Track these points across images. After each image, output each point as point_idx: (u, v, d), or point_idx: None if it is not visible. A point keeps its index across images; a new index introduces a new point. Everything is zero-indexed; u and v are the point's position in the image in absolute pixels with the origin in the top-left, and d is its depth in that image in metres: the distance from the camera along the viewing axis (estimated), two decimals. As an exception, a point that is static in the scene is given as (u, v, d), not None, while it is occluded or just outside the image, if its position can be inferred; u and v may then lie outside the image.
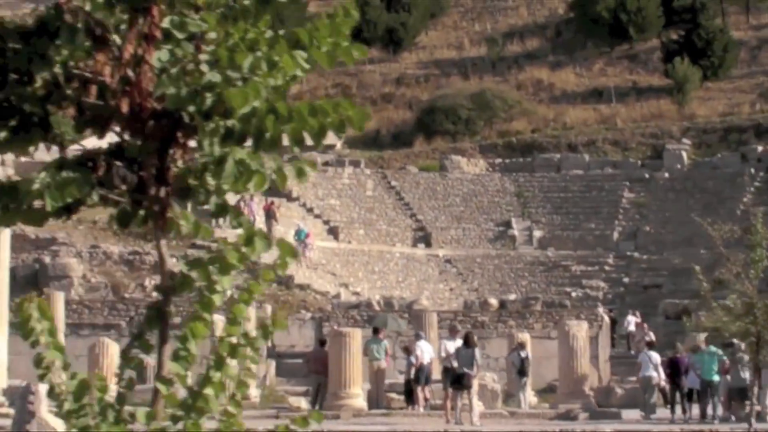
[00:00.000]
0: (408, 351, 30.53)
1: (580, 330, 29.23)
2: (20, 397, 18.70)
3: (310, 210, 60.07)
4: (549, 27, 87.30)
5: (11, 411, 27.66)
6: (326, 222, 60.22)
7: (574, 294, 55.38)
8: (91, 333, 38.86)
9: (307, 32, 5.48)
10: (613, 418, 27.94)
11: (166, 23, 5.19)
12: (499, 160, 66.66)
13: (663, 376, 29.67)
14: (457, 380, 25.53)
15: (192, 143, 5.70)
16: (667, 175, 63.40)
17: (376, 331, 31.08)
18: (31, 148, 5.76)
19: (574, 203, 63.20)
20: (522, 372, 30.98)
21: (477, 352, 26.05)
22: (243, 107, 5.19)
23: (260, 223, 54.31)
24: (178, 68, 5.31)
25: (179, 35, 5.23)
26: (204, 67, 5.28)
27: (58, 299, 34.04)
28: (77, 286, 40.89)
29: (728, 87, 73.51)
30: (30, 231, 43.21)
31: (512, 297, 49.24)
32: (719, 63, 73.69)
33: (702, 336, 34.79)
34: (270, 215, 54.02)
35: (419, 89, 77.08)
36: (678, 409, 28.23)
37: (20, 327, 5.12)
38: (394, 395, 31.22)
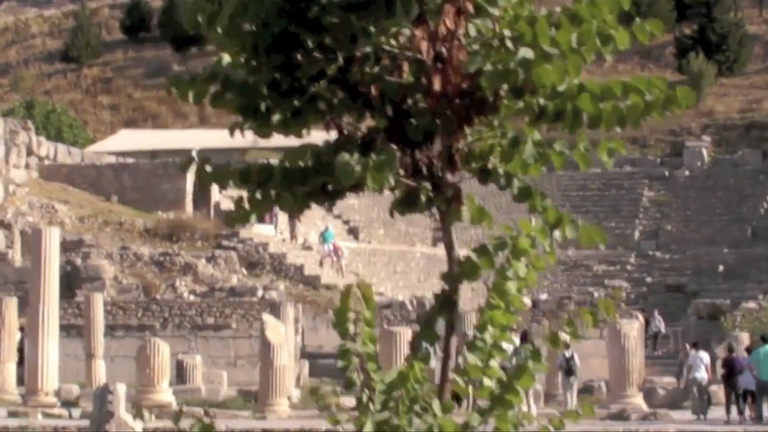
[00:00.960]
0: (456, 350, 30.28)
1: (631, 329, 28.98)
2: (99, 397, 18.44)
3: (329, 210, 59.80)
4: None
5: (63, 411, 27.52)
6: (346, 222, 60.02)
7: (596, 294, 55.06)
8: (125, 334, 38.61)
9: (587, 9, 5.24)
10: (665, 420, 27.63)
11: (475, -2, 4.96)
12: (516, 159, 66.37)
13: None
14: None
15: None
16: (687, 172, 63.19)
17: (425, 329, 30.70)
18: (305, 131, 5.54)
19: (593, 202, 62.97)
20: (569, 371, 30.74)
21: (535, 350, 25.76)
22: (559, 85, 4.97)
23: (283, 223, 54.08)
24: (479, 44, 5.09)
25: (490, 10, 5.00)
26: (508, 44, 5.06)
27: (98, 300, 33.76)
28: (109, 287, 40.64)
29: (744, 83, 73.30)
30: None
31: (544, 297, 49.02)
32: (735, 58, 73.37)
33: (742, 335, 34.61)
34: (293, 215, 53.74)
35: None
36: (734, 409, 27.87)
37: (337, 315, 4.90)
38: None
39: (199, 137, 70.92)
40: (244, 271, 46.70)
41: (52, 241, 27.63)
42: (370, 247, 58.13)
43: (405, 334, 28.55)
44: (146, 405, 28.04)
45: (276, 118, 5.35)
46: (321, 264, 51.10)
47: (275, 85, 5.20)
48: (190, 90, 5.32)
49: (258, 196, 5.57)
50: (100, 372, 33.58)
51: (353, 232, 59.23)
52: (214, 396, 31.93)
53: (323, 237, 53.20)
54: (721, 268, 54.93)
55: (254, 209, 5.74)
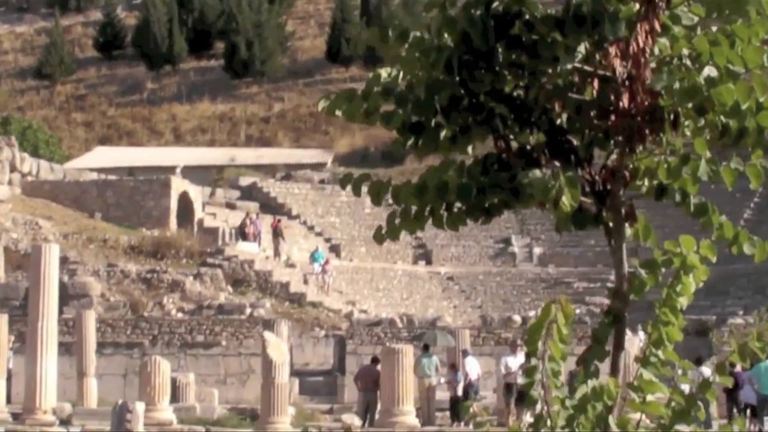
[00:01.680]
0: (455, 368, 30.30)
1: (632, 345, 29.06)
2: (117, 415, 18.33)
3: (311, 228, 59.78)
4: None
5: (62, 430, 27.27)
6: (327, 240, 59.99)
7: (578, 311, 55.29)
8: (114, 352, 38.38)
9: (745, 28, 5.30)
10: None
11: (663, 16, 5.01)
12: (494, 177, 66.55)
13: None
14: (522, 397, 25.38)
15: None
16: (665, 191, 63.57)
17: (426, 347, 30.78)
18: (470, 147, 5.59)
19: (572, 220, 63.14)
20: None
21: (541, 367, 25.84)
22: (744, 103, 5.03)
23: (267, 241, 53.98)
24: (656, 62, 5.14)
25: (675, 29, 5.05)
26: (687, 62, 5.11)
27: (89, 318, 33.52)
28: (96, 305, 40.38)
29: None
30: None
31: (532, 313, 49.14)
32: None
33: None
34: (277, 233, 53.72)
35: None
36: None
37: (531, 332, 4.90)
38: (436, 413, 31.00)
39: (176, 155, 70.76)
40: (230, 288, 46.55)
41: (51, 258, 27.45)
42: (352, 265, 58.13)
43: (407, 351, 28.50)
44: (148, 423, 27.86)
45: (444, 134, 5.41)
46: (306, 281, 51.03)
47: (454, 101, 5.24)
48: (357, 106, 5.34)
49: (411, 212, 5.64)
50: (92, 390, 33.33)
51: (335, 249, 59.21)
52: (209, 414, 31.77)
53: (313, 258, 53.17)
54: (701, 284, 55.16)
55: (405, 225, 5.80)
